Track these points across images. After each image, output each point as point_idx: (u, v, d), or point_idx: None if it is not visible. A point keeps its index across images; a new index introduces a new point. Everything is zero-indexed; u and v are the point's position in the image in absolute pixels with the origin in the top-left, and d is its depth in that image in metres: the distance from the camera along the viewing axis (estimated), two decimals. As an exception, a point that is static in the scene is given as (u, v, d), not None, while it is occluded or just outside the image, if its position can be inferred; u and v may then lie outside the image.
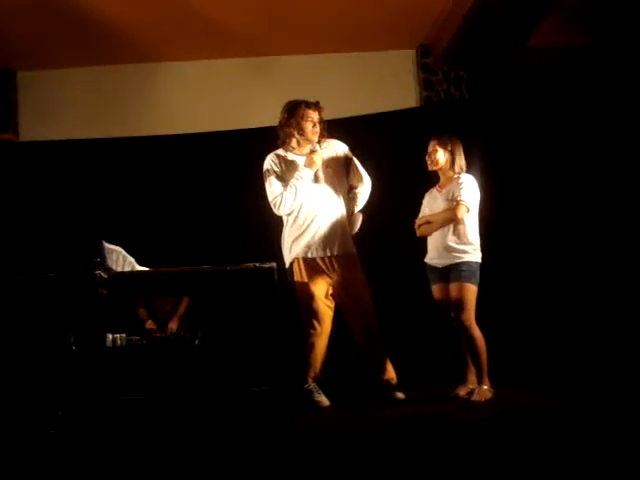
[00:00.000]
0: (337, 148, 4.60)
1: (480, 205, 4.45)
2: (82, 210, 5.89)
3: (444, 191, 4.47)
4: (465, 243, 4.34)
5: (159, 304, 5.60)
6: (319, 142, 4.52)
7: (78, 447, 3.50)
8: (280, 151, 4.57)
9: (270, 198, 4.48)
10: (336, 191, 4.53)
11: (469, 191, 4.36)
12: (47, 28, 6.13)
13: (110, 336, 4.63)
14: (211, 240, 5.78)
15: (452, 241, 4.34)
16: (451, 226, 4.36)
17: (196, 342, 4.63)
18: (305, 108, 4.46)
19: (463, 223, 4.35)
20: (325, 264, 4.44)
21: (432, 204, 4.53)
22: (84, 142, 6.21)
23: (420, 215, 4.58)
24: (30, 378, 4.77)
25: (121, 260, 4.18)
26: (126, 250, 4.36)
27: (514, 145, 5.64)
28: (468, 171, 4.50)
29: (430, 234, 4.48)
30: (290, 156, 4.53)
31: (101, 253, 3.97)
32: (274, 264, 4.04)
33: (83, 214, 5.86)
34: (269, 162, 4.54)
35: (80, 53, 6.60)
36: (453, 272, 4.33)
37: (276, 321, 4.72)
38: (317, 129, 4.49)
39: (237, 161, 5.91)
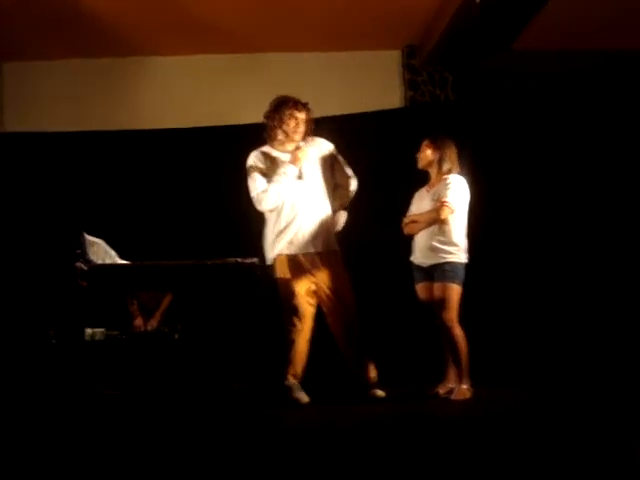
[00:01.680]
0: (322, 146, 4.60)
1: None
2: (64, 202, 5.85)
3: (432, 191, 4.48)
4: (450, 244, 4.34)
5: (145, 299, 5.57)
6: (304, 140, 4.52)
7: (55, 440, 3.47)
8: (265, 148, 4.57)
9: (253, 194, 4.47)
10: (320, 189, 4.53)
11: (455, 192, 4.37)
12: (33, 20, 6.08)
13: (89, 330, 4.59)
14: (194, 235, 5.76)
15: (437, 241, 4.35)
16: (437, 226, 4.36)
17: (176, 337, 4.60)
18: (292, 107, 4.46)
19: (448, 224, 4.35)
20: (308, 261, 4.44)
21: (420, 203, 4.54)
22: (67, 134, 6.16)
23: (408, 214, 4.59)
24: (8, 370, 4.75)
25: (102, 253, 4.16)
26: (108, 243, 4.34)
27: (499, 147, 5.67)
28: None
29: (416, 233, 4.49)
30: (274, 153, 4.53)
31: (82, 245, 3.94)
32: (256, 259, 4.04)
33: (65, 206, 5.82)
34: (253, 158, 4.53)
35: (67, 45, 6.57)
36: (437, 272, 4.35)
37: (257, 317, 4.71)
38: (300, 129, 4.48)
39: (222, 157, 5.89)
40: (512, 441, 3.14)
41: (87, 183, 5.95)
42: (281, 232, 4.45)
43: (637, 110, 5.46)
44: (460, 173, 4.50)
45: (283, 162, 4.46)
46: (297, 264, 4.44)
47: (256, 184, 4.47)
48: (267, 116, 4.53)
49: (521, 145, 5.63)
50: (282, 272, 4.44)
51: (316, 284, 4.45)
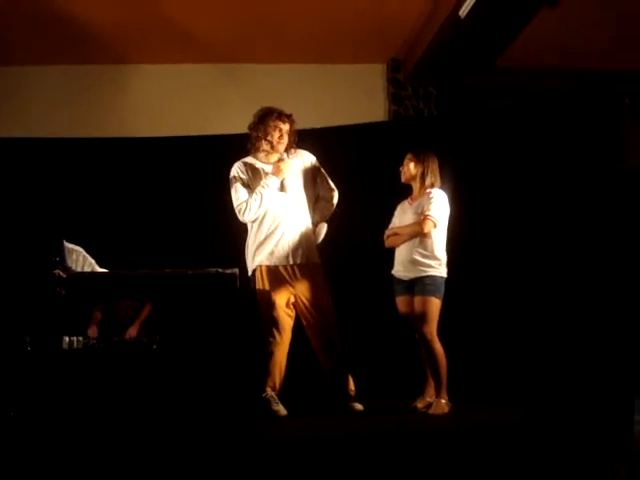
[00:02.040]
0: (305, 158, 4.60)
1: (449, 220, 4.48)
2: (44, 208, 5.81)
3: (415, 204, 4.49)
4: (431, 257, 4.35)
5: (120, 308, 5.52)
6: (287, 152, 4.53)
7: (29, 449, 3.43)
8: (248, 159, 4.57)
9: (235, 204, 4.47)
10: (302, 200, 4.53)
11: (438, 206, 4.39)
12: (24, 25, 6.07)
13: (67, 338, 4.55)
14: (175, 244, 5.73)
15: (418, 255, 4.36)
16: (418, 239, 4.37)
17: (154, 347, 4.56)
18: (276, 118, 4.47)
19: (430, 237, 4.36)
20: (288, 272, 4.43)
21: (402, 216, 4.55)
22: (47, 140, 6.13)
23: (390, 226, 4.60)
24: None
25: (81, 260, 4.12)
26: (87, 251, 4.31)
27: (481, 162, 5.70)
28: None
29: (398, 246, 4.50)
30: (258, 164, 4.53)
31: (61, 252, 3.90)
32: (236, 270, 4.01)
33: (45, 212, 5.78)
34: (236, 169, 4.53)
35: (56, 51, 6.56)
36: (417, 285, 4.35)
37: (236, 328, 4.69)
38: (284, 140, 4.49)
39: (204, 166, 5.88)
40: (489, 456, 3.15)
41: (69, 190, 5.91)
42: (262, 243, 4.44)
43: (616, 127, 5.50)
44: (441, 187, 4.52)
45: (266, 173, 4.46)
46: (277, 275, 4.42)
47: (238, 194, 4.47)
48: (251, 127, 4.54)
49: (503, 161, 5.66)
50: (262, 283, 4.43)
51: (295, 296, 4.44)
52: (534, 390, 4.84)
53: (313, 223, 4.57)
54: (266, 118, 4.48)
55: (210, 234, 5.73)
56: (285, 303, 4.42)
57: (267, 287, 4.41)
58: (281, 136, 4.48)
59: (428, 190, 4.47)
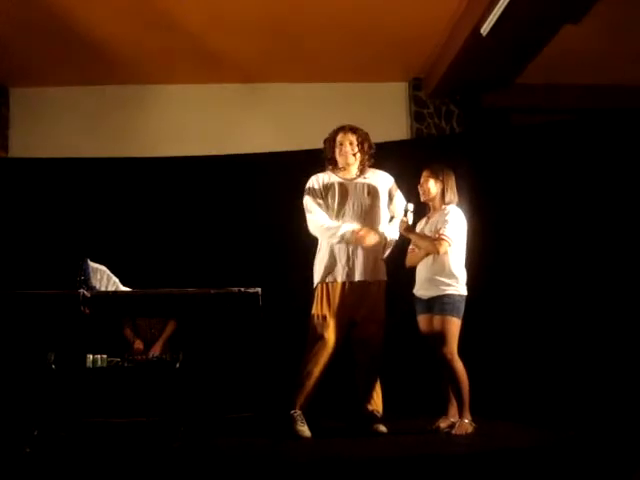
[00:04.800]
0: (381, 178, 4.61)
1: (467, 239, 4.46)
2: (69, 228, 5.87)
3: (431, 221, 4.48)
4: (448, 276, 4.32)
5: (143, 326, 5.56)
6: (362, 172, 4.55)
7: (53, 467, 3.44)
8: (325, 172, 4.62)
9: (311, 227, 4.53)
10: (375, 220, 4.52)
11: (453, 225, 4.36)
12: (43, 45, 6.16)
13: (91, 356, 4.58)
14: (198, 263, 5.76)
15: (436, 273, 4.34)
16: (435, 258, 4.35)
17: (177, 365, 4.58)
18: (339, 130, 4.55)
19: (447, 256, 4.33)
20: (353, 290, 4.40)
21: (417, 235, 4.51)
22: (73, 160, 6.21)
23: (411, 246, 4.60)
24: (8, 395, 4.72)
25: (105, 280, 4.15)
26: (111, 270, 4.34)
27: (502, 180, 5.68)
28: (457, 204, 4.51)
29: (416, 264, 4.48)
30: (333, 177, 4.57)
31: (85, 271, 3.94)
32: (259, 289, 4.02)
33: (70, 232, 5.83)
34: (312, 181, 4.60)
35: (82, 72, 6.65)
36: (436, 304, 4.33)
37: (260, 346, 4.69)
38: (345, 149, 4.51)
39: (227, 185, 5.92)
40: (515, 477, 3.11)
41: (92, 209, 5.97)
42: (327, 260, 4.44)
43: (638, 144, 5.46)
44: (460, 204, 4.50)
45: (341, 185, 4.49)
46: (340, 293, 4.40)
47: (315, 216, 4.50)
48: (325, 141, 4.61)
49: (525, 179, 5.65)
50: (319, 300, 4.42)
51: (356, 313, 4.41)
52: (558, 408, 4.79)
53: (382, 241, 4.53)
54: (333, 132, 4.57)
55: (233, 253, 5.75)
56: (340, 323, 4.38)
57: (325, 305, 4.39)
58: (343, 145, 4.51)
59: (444, 207, 4.45)
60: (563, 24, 5.76)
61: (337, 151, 4.54)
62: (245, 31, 6.01)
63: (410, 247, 4.58)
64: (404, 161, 5.51)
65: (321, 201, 4.52)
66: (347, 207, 4.48)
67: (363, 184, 4.53)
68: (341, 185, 4.52)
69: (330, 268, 4.44)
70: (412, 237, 4.48)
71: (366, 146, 4.57)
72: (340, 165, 4.57)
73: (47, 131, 6.76)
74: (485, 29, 5.47)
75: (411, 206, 4.47)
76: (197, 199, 6.03)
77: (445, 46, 6.27)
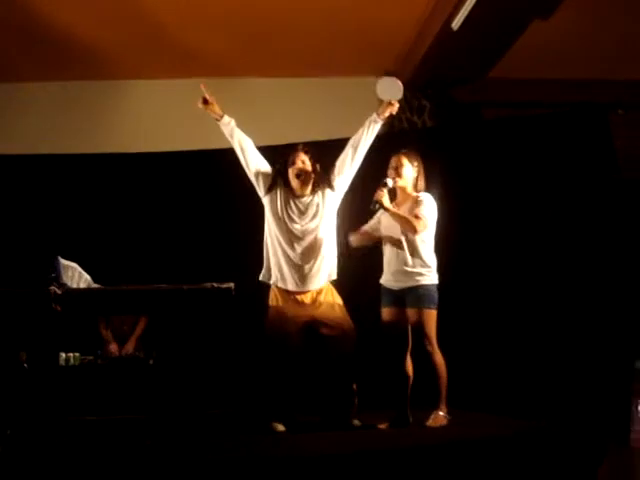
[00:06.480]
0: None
1: (437, 231, 4.41)
2: (39, 225, 5.81)
3: (402, 209, 4.36)
4: (421, 265, 4.27)
5: (117, 323, 5.52)
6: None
7: (26, 467, 3.41)
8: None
9: None
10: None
11: (429, 210, 4.29)
12: (20, 41, 6.10)
13: (63, 355, 4.54)
14: (170, 259, 5.73)
15: (409, 262, 4.27)
16: (406, 247, 4.27)
17: (150, 362, 4.56)
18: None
19: (420, 243, 4.27)
20: (306, 295, 4.39)
21: (388, 221, 4.40)
22: (42, 157, 6.15)
23: (365, 227, 4.54)
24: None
25: (77, 277, 4.13)
26: (82, 267, 4.31)
27: (475, 174, 5.72)
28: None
29: (362, 246, 4.48)
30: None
31: (56, 269, 3.91)
32: (232, 284, 4.01)
33: (40, 229, 5.78)
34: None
35: (54, 67, 6.59)
36: (410, 296, 4.27)
37: (233, 342, 4.67)
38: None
39: (199, 181, 5.90)
40: (486, 469, 3.14)
41: (63, 206, 5.92)
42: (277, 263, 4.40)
43: (608, 137, 5.53)
44: (432, 196, 4.42)
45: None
46: (293, 298, 4.39)
47: None
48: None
49: (496, 173, 5.69)
50: (276, 302, 4.40)
51: (314, 317, 4.38)
52: (533, 397, 4.84)
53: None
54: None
55: (206, 249, 5.73)
56: (298, 329, 4.35)
57: (281, 308, 4.36)
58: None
59: (416, 194, 4.39)
60: (533, 19, 5.81)
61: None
62: (216, 25, 5.99)
63: (363, 228, 4.54)
64: (375, 155, 5.52)
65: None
66: None
67: None
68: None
69: (276, 271, 4.43)
70: (389, 211, 4.30)
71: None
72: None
73: (18, 127, 6.67)
74: (456, 24, 5.49)
75: (390, 182, 4.36)
76: (169, 195, 6.00)
77: (416, 40, 6.28)
